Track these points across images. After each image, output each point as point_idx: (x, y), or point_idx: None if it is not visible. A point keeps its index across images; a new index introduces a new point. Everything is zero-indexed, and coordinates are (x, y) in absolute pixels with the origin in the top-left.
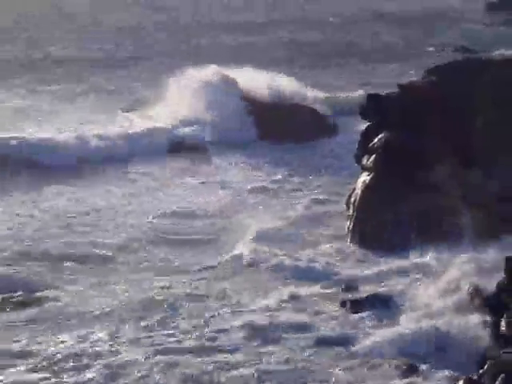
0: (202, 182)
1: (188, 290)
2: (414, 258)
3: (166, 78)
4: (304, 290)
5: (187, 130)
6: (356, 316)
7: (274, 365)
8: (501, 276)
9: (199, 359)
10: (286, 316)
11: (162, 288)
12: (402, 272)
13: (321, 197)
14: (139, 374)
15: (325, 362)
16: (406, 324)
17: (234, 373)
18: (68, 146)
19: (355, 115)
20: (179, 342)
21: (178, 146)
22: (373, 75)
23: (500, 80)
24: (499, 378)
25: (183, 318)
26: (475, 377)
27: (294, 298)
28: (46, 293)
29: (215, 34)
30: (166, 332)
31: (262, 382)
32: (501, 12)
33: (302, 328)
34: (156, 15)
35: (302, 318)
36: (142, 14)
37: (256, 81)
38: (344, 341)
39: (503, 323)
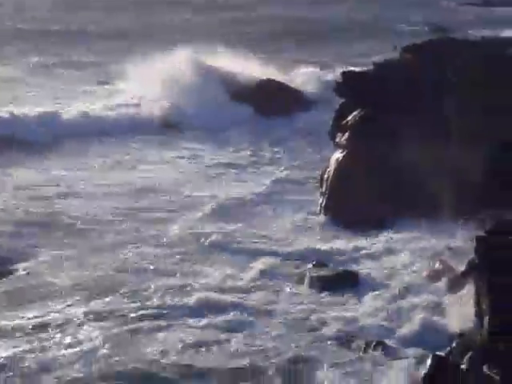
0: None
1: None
2: (386, 236)
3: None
4: (270, 266)
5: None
6: (323, 294)
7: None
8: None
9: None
10: (254, 296)
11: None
12: (372, 250)
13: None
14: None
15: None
16: (372, 302)
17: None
18: (43, 122)
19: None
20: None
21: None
22: (348, 53)
23: (477, 60)
24: (467, 356)
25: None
26: (443, 354)
27: (262, 274)
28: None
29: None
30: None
31: None
32: None
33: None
34: None
35: (269, 297)
36: None
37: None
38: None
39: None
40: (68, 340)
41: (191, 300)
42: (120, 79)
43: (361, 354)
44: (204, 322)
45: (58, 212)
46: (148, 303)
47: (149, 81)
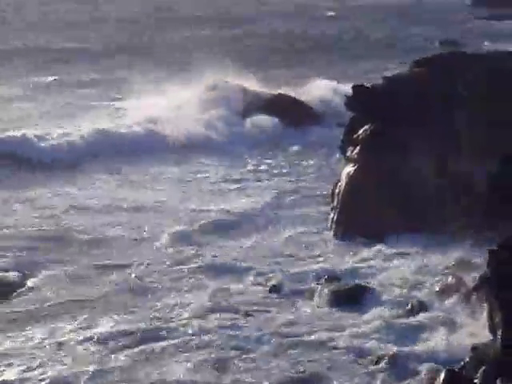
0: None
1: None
2: (398, 251)
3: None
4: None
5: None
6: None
7: None
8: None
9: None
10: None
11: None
12: (385, 265)
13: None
14: None
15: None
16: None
17: None
18: (58, 141)
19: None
20: None
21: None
22: (358, 69)
23: (487, 74)
24: (481, 370)
25: None
26: (457, 369)
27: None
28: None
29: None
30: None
31: None
32: (486, 7)
33: None
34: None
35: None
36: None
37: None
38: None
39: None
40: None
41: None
42: (132, 97)
43: (372, 367)
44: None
45: (68, 228)
46: (157, 322)
47: (162, 99)
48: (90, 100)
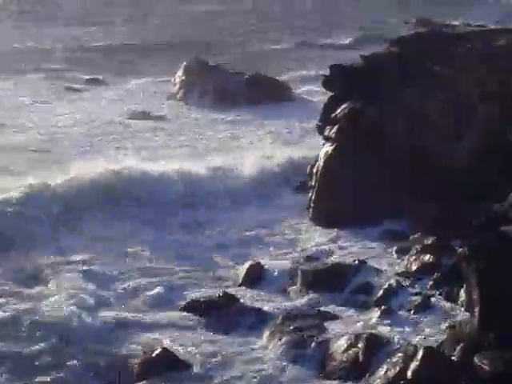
0: None
1: None
2: (375, 230)
3: None
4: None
5: None
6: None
7: None
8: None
9: None
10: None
11: None
12: (361, 245)
13: None
14: None
15: None
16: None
17: None
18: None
19: None
20: None
21: None
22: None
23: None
24: (458, 347)
25: None
26: (435, 346)
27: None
28: None
29: None
30: None
31: None
32: None
33: None
34: None
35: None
36: None
37: None
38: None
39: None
40: None
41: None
42: None
43: None
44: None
45: None
46: None
47: None
48: None
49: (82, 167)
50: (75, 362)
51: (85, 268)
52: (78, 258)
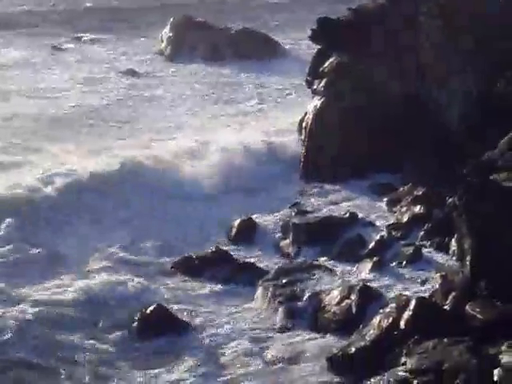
0: None
1: None
2: (365, 183)
3: None
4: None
5: None
6: None
7: None
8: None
9: None
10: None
11: None
12: (351, 198)
13: None
14: None
15: None
16: None
17: None
18: None
19: None
20: None
21: None
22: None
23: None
24: (450, 297)
25: None
26: (427, 296)
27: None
28: None
29: None
30: None
31: None
32: None
33: None
34: None
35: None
36: None
37: None
38: None
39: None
40: None
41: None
42: None
43: None
44: None
45: None
46: None
47: None
48: None
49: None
50: None
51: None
52: None
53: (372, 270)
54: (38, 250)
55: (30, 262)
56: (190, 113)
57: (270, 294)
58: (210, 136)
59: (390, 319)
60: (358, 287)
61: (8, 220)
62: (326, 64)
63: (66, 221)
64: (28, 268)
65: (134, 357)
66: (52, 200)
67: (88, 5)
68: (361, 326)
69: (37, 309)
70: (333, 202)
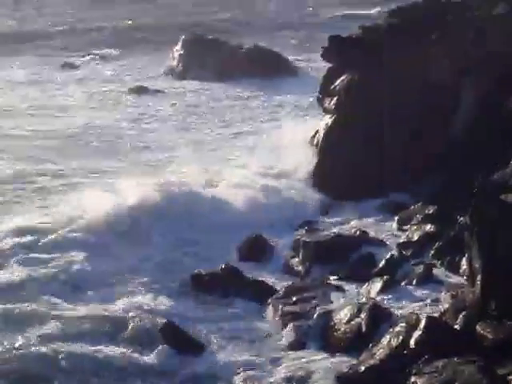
0: None
1: None
2: (376, 202)
3: None
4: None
5: None
6: None
7: None
8: None
9: None
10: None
11: None
12: (362, 216)
13: None
14: None
15: None
16: None
17: None
18: None
19: None
20: None
21: None
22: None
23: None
24: (461, 316)
25: None
26: (437, 315)
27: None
28: None
29: None
30: None
31: None
32: None
33: None
34: None
35: None
36: None
37: None
38: None
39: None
40: None
41: None
42: None
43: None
44: None
45: None
46: None
47: None
48: None
49: None
50: None
51: None
52: None
53: (382, 288)
54: None
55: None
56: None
57: (279, 312)
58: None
59: (400, 338)
60: (367, 306)
61: None
62: (337, 82)
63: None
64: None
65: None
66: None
67: (102, 24)
68: (370, 345)
69: None
70: (343, 219)
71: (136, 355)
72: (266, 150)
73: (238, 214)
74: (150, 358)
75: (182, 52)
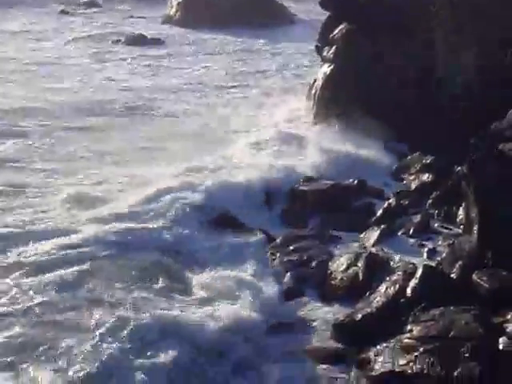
0: None
1: None
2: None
3: None
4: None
5: None
6: None
7: None
8: None
9: None
10: None
11: None
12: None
13: None
14: None
15: None
16: None
17: None
18: None
19: None
20: None
21: None
22: None
23: None
24: (457, 265)
25: None
26: (434, 264)
27: None
28: None
29: None
30: None
31: None
32: None
33: None
34: None
35: None
36: None
37: None
38: None
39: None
40: None
41: None
42: None
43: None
44: None
45: None
46: None
47: None
48: None
49: None
50: None
51: None
52: None
53: (379, 238)
54: None
55: None
56: None
57: (277, 260)
58: None
59: (397, 287)
60: (365, 255)
61: None
62: (336, 31)
63: None
64: None
65: None
66: None
67: None
68: (367, 294)
69: None
70: (341, 168)
71: None
72: None
73: None
74: None
75: (179, 0)
